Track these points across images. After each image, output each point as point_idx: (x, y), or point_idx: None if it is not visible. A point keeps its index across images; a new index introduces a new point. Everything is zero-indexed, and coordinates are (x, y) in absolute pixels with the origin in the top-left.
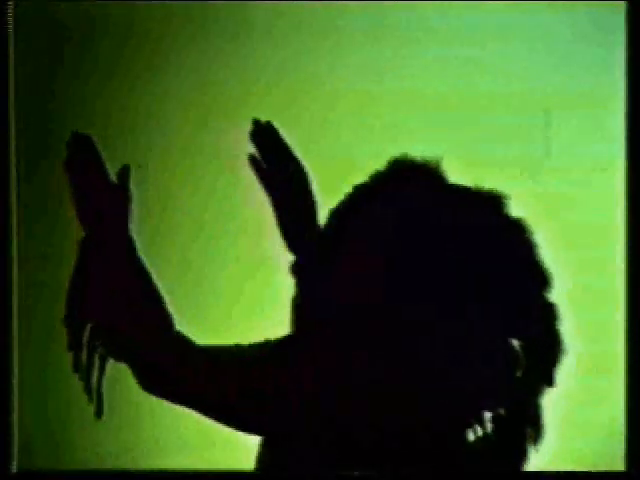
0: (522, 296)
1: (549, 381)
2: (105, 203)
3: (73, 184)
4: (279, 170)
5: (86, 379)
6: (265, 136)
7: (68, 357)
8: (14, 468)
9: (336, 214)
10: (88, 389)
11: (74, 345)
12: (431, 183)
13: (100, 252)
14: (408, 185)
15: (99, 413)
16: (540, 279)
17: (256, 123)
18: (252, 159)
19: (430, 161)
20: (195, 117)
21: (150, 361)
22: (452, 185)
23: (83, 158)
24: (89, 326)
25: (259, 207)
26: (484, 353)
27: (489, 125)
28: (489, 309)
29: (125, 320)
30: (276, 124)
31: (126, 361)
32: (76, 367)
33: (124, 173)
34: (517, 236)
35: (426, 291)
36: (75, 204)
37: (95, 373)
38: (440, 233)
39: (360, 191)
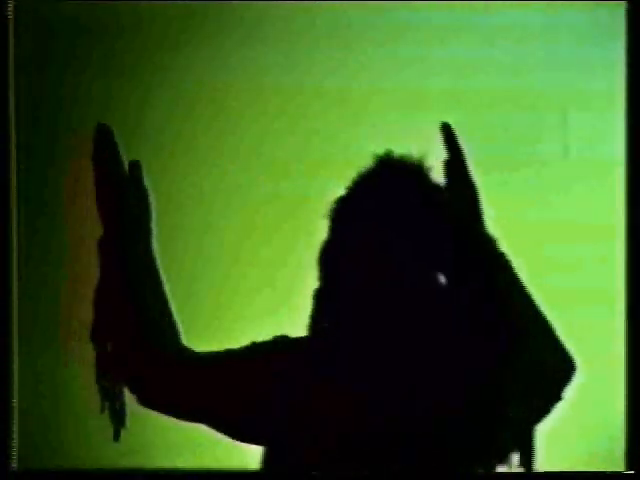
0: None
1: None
2: (124, 199)
3: (96, 177)
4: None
5: (111, 403)
6: (448, 139)
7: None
8: (14, 467)
9: (332, 213)
10: (112, 414)
11: (101, 368)
12: (410, 180)
13: (113, 253)
14: (389, 182)
15: (117, 436)
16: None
17: (445, 126)
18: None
19: (412, 158)
20: (200, 117)
21: (153, 376)
22: (432, 182)
23: (107, 150)
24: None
25: (265, 209)
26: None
27: (505, 124)
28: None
29: (131, 333)
30: (280, 123)
31: (127, 378)
32: (106, 396)
33: (137, 169)
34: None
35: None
36: (97, 198)
37: (118, 398)
38: (419, 231)
39: (349, 191)
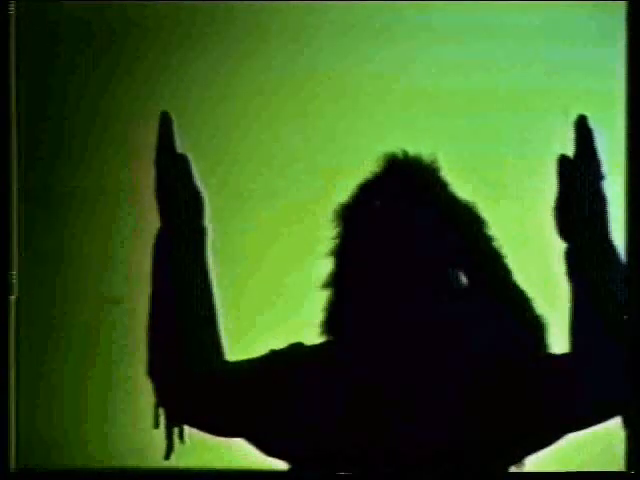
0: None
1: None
2: (176, 194)
3: (158, 168)
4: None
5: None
6: (581, 134)
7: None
8: (12, 467)
9: (344, 210)
10: (171, 430)
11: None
12: (418, 179)
13: (166, 252)
14: (399, 183)
15: (168, 454)
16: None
17: (581, 119)
18: (562, 158)
19: (424, 157)
20: (203, 118)
21: (193, 391)
22: (440, 181)
23: (167, 140)
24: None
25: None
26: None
27: (505, 124)
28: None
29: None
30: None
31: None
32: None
33: (185, 164)
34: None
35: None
36: (156, 190)
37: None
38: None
39: (361, 188)
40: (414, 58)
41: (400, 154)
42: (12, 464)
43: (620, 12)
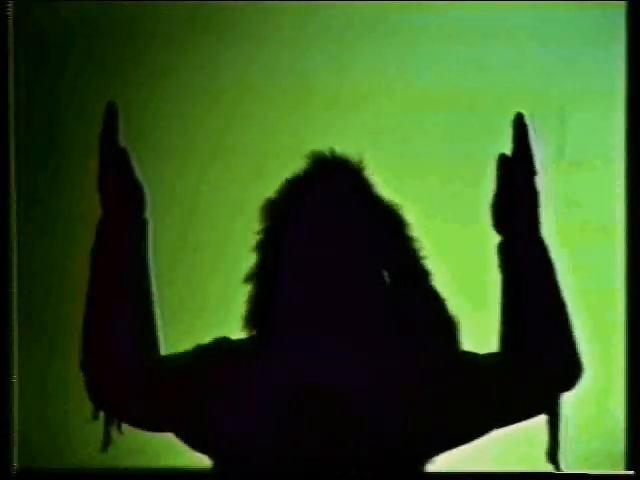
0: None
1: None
2: (124, 187)
3: (101, 157)
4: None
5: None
6: (518, 132)
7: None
8: (14, 468)
9: (274, 206)
10: (109, 421)
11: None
12: (349, 178)
13: (112, 237)
14: (328, 180)
15: (105, 446)
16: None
17: (519, 117)
18: (502, 156)
19: (350, 157)
20: (197, 117)
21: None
22: (367, 182)
23: (108, 130)
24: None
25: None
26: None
27: (504, 125)
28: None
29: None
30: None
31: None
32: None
33: (125, 156)
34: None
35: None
36: (99, 178)
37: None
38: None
39: (290, 185)
40: (423, 59)
41: (328, 153)
42: (14, 465)
43: (620, 12)
